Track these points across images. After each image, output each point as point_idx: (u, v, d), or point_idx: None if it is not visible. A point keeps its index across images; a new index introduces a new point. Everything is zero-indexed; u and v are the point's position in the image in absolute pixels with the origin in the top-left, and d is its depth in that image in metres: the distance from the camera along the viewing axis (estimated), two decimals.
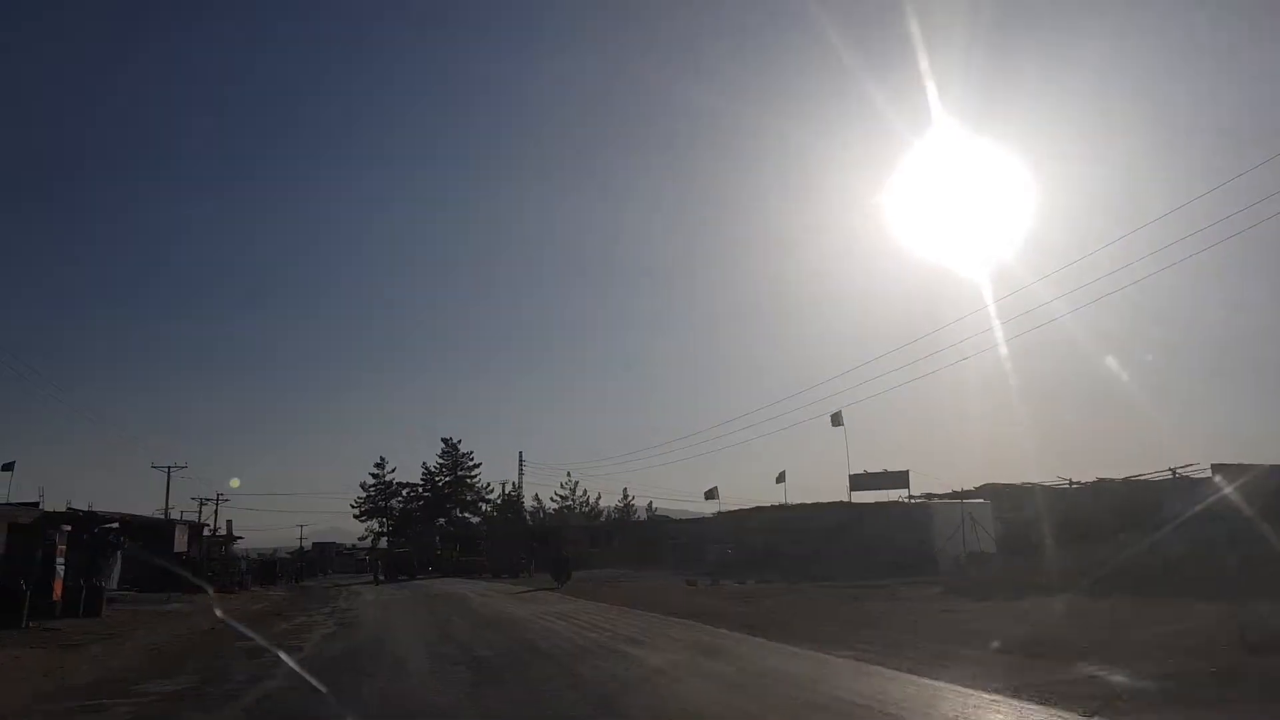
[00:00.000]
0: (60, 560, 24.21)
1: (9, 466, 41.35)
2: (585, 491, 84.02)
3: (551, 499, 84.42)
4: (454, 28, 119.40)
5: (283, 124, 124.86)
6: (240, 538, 59.51)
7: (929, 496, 41.52)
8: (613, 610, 20.42)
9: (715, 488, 53.29)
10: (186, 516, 58.89)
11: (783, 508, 47.02)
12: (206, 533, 55.25)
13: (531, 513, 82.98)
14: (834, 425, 43.55)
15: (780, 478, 50.89)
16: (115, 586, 39.98)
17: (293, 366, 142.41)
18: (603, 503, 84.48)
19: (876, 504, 42.66)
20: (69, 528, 25.51)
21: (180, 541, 35.38)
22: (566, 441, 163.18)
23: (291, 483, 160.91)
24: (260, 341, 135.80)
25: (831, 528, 41.51)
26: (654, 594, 26.66)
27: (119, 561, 41.61)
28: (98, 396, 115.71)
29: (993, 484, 38.25)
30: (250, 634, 17.90)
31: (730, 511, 51.56)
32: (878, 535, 39.60)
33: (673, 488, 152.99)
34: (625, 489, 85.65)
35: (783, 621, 15.94)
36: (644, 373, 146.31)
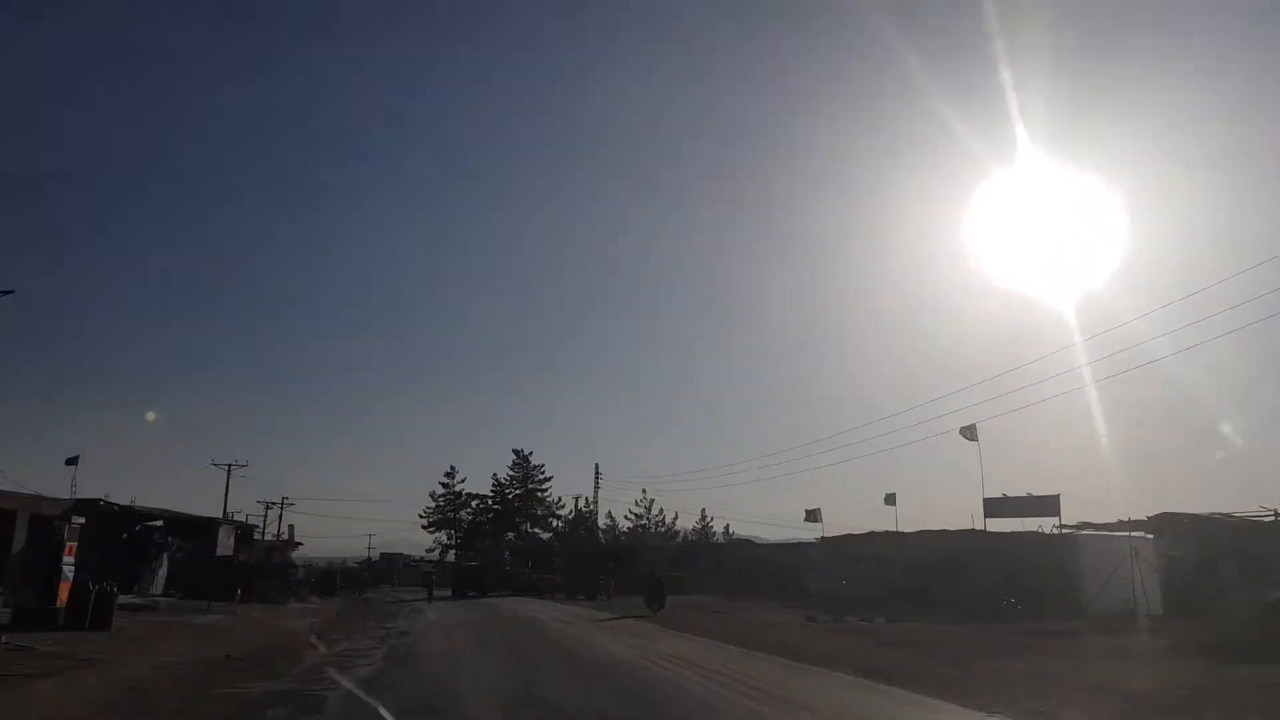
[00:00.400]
0: (69, 560, 20.18)
1: (73, 461, 38.53)
2: (662, 511, 78.89)
3: (626, 517, 79.56)
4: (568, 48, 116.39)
5: (347, 135, 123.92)
6: (300, 544, 55.98)
7: (1081, 526, 35.44)
8: (749, 657, 15.28)
9: (818, 509, 47.75)
10: (252, 520, 55.87)
11: (900, 535, 41.21)
12: (262, 536, 51.86)
13: (604, 530, 78.05)
14: (967, 439, 37.72)
15: (889, 500, 45.29)
16: (160, 592, 36.29)
17: (373, 373, 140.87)
18: (679, 524, 79.21)
19: (1012, 533, 36.62)
20: (81, 520, 21.43)
21: (225, 544, 31.40)
22: (640, 458, 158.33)
23: (363, 492, 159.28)
24: (337, 349, 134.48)
25: (958, 559, 35.65)
26: (777, 632, 21.43)
27: (164, 564, 37.96)
28: (167, 399, 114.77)
29: (1169, 513, 32.05)
30: (269, 670, 13.36)
31: (836, 537, 45.78)
32: (1014, 569, 33.66)
33: (750, 510, 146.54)
34: (704, 509, 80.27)
35: (1026, 691, 10.63)
36: (720, 393, 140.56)
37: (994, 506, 36.81)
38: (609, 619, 27.27)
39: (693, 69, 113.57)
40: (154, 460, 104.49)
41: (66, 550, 20.06)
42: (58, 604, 19.30)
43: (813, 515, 47.87)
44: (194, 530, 33.77)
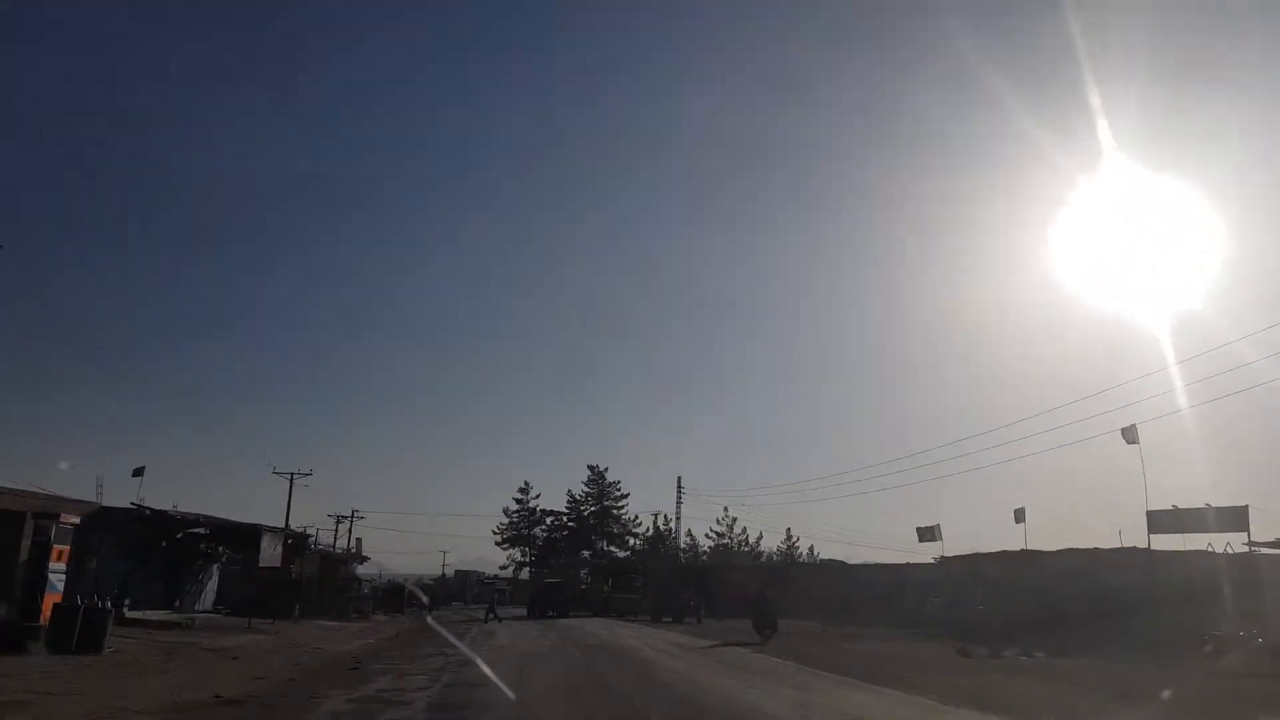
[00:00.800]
0: (58, 568, 16.48)
1: (139, 471, 35.91)
2: (745, 529, 73.84)
3: (706, 535, 74.80)
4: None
5: (422, 151, 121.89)
6: (368, 558, 52.51)
7: (1277, 543, 29.43)
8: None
9: (935, 526, 42.10)
10: (324, 534, 52.80)
11: (1037, 554, 35.49)
12: (333, 549, 48.56)
13: (684, 550, 73.28)
14: (1128, 443, 32.00)
15: (1019, 516, 39.50)
16: (208, 607, 32.92)
17: (448, 387, 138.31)
18: (764, 543, 74.20)
19: (1185, 552, 30.71)
20: (75, 521, 17.74)
21: (271, 554, 27.67)
22: (716, 475, 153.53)
23: (439, 508, 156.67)
24: (413, 364, 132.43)
25: (1113, 582, 29.92)
26: (940, 671, 16.47)
27: (214, 577, 34.64)
28: (240, 413, 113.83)
29: None
30: None
31: (959, 557, 40.12)
32: (1189, 593, 27.83)
33: (838, 528, 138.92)
34: (789, 529, 74.97)
35: None
36: (803, 408, 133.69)
37: (1160, 521, 30.93)
38: (713, 646, 22.67)
39: (774, 90, 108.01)
40: (227, 474, 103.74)
41: (54, 555, 16.34)
42: (40, 620, 15.60)
43: (928, 533, 42.28)
44: (242, 540, 30.25)
